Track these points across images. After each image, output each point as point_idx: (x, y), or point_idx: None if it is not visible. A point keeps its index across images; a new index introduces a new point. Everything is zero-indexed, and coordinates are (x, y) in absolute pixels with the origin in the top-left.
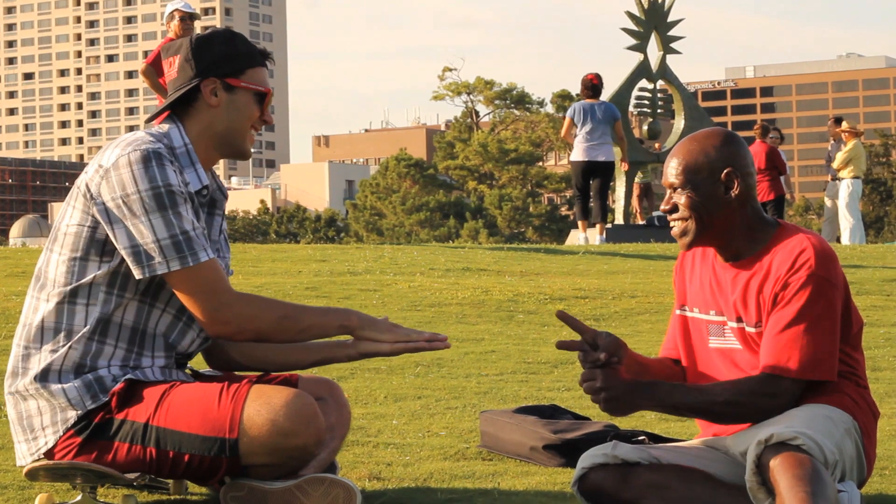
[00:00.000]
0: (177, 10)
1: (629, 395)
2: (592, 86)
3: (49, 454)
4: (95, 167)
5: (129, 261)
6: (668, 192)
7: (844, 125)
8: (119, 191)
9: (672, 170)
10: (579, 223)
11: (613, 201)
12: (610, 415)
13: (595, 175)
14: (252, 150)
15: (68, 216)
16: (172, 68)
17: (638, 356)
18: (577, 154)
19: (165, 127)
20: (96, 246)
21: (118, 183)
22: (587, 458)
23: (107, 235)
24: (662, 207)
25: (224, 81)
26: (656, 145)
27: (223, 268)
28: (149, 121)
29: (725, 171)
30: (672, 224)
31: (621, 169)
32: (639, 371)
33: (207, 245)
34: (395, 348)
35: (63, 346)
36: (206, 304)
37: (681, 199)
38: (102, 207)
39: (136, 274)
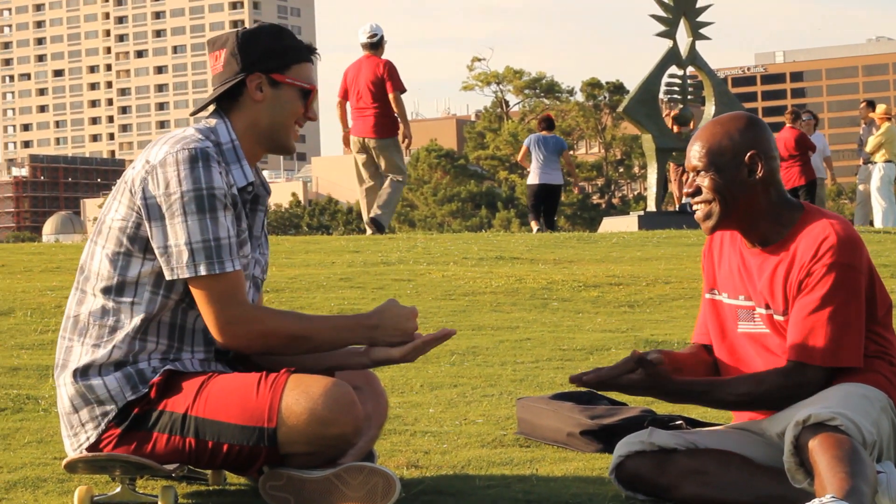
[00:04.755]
0: (360, 43)
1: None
2: (547, 121)
3: (92, 449)
4: (143, 162)
5: (160, 260)
6: (692, 175)
7: (879, 109)
8: (162, 188)
9: (695, 153)
10: (532, 222)
11: (645, 189)
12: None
13: (546, 194)
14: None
15: (114, 210)
16: (218, 62)
17: (673, 357)
18: (533, 178)
19: (213, 122)
20: (140, 242)
21: (163, 180)
22: (624, 446)
23: None
24: (685, 191)
25: (269, 77)
26: (675, 128)
27: (262, 264)
28: (194, 113)
29: (749, 154)
30: (695, 207)
31: (574, 191)
32: (674, 371)
33: (236, 256)
34: (405, 352)
35: (107, 342)
36: (221, 316)
37: (704, 181)
38: (144, 203)
39: (166, 275)
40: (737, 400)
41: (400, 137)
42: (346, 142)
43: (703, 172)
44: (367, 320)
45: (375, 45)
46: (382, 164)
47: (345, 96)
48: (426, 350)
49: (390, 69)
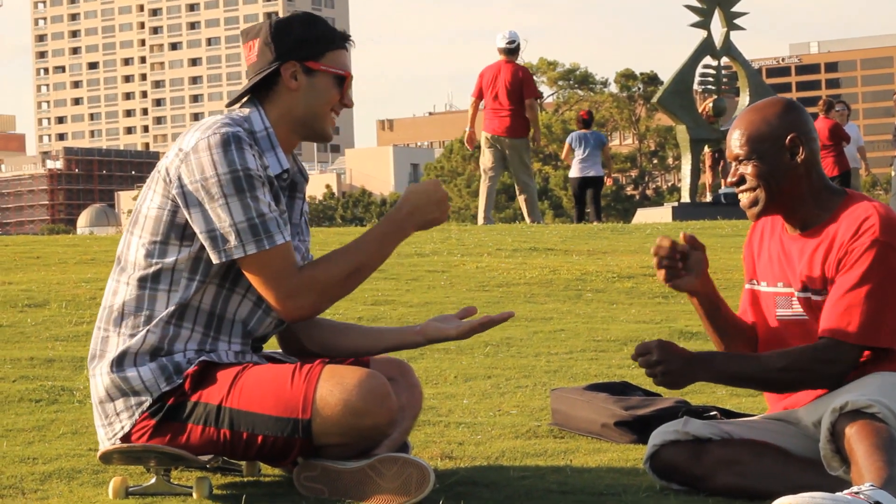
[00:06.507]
0: (498, 48)
1: (686, 368)
2: (584, 120)
3: (125, 438)
4: (176, 151)
5: (206, 245)
6: (734, 165)
7: None
8: (198, 174)
9: (735, 142)
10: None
11: (679, 180)
12: (667, 388)
13: (588, 186)
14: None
15: (149, 199)
16: (252, 52)
17: (716, 291)
18: (574, 172)
19: (246, 111)
20: (176, 230)
21: (197, 166)
22: (658, 436)
23: (187, 220)
24: (728, 181)
25: (303, 65)
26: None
27: (302, 251)
28: (229, 105)
29: (790, 138)
30: (740, 196)
31: (607, 182)
32: (711, 302)
33: (284, 228)
34: (461, 330)
35: (142, 330)
36: (279, 292)
37: (747, 169)
38: (181, 191)
39: (214, 259)
40: (766, 367)
41: (529, 139)
42: (470, 140)
43: (745, 161)
44: (400, 212)
45: (514, 51)
46: (513, 160)
47: (479, 96)
48: (482, 330)
49: (529, 77)
